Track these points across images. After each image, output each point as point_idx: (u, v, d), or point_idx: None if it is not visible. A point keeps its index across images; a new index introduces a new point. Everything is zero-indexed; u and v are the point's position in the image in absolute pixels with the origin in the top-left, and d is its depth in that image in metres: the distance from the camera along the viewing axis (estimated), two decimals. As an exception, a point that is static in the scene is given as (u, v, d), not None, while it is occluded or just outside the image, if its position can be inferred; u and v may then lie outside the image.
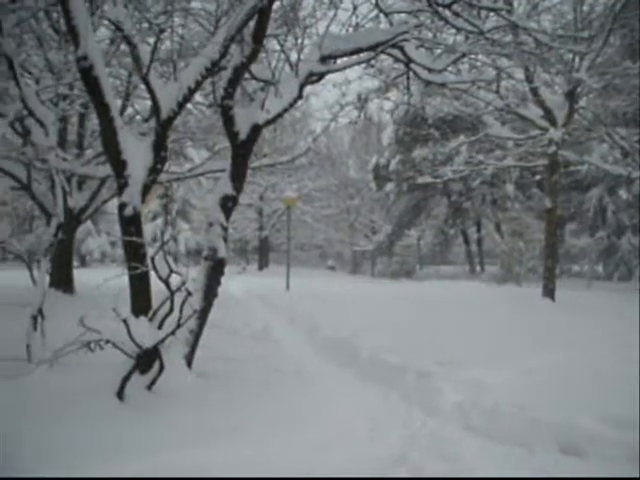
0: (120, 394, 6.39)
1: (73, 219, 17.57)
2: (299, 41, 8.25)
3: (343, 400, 7.00)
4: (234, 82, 7.71)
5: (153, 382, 6.70)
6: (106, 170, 16.29)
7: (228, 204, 7.77)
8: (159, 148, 7.32)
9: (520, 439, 5.66)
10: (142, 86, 17.00)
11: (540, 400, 6.29)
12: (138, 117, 18.40)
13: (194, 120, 16.33)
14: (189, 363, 7.52)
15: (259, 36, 7.57)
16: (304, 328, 12.75)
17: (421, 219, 40.31)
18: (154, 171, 7.28)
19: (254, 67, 7.98)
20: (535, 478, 5.04)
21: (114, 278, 6.13)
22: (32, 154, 12.64)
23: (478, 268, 41.05)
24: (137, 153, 7.20)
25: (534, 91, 17.18)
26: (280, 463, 4.99)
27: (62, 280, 17.43)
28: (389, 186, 37.82)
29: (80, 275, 19.72)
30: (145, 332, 6.21)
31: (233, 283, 23.33)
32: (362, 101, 16.72)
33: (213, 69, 7.57)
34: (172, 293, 6.23)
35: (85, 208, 17.97)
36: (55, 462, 4.84)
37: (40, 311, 7.90)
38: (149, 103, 17.15)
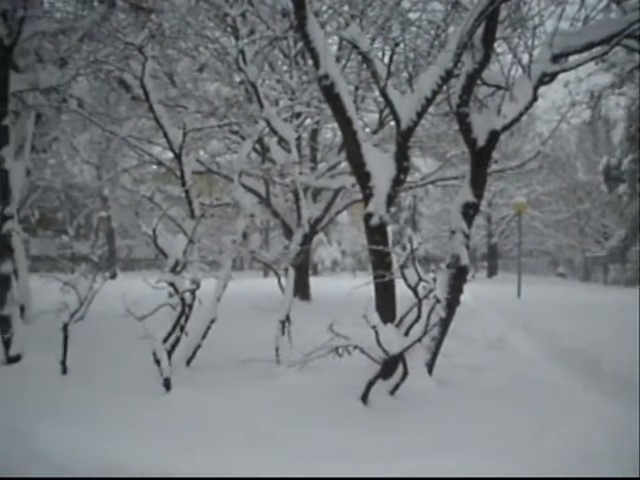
0: (364, 398, 6.57)
1: (309, 229, 18.27)
2: (529, 42, 8.04)
3: (582, 414, 6.64)
4: (468, 89, 7.67)
5: (396, 387, 6.81)
6: (339, 182, 16.87)
7: (469, 211, 7.73)
8: (401, 159, 7.47)
9: None
10: (369, 99, 17.45)
11: None
12: (367, 130, 18.85)
13: (422, 129, 16.42)
14: (430, 370, 7.57)
15: (489, 40, 7.50)
16: (539, 337, 12.35)
17: (658, 221, 37.45)
18: (397, 181, 7.45)
19: (484, 72, 7.90)
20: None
21: (362, 286, 6.33)
22: (273, 170, 13.40)
23: None
24: (380, 164, 7.41)
25: None
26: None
27: (300, 287, 18.22)
28: (622, 187, 35.59)
29: (313, 283, 20.54)
30: (392, 338, 6.33)
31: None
32: (595, 99, 15.90)
33: (448, 78, 7.59)
34: (420, 300, 6.32)
35: (320, 219, 18.69)
36: (302, 460, 5.04)
37: (287, 317, 8.35)
38: (376, 116, 17.57)
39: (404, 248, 6.71)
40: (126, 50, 9.63)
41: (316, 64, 7.35)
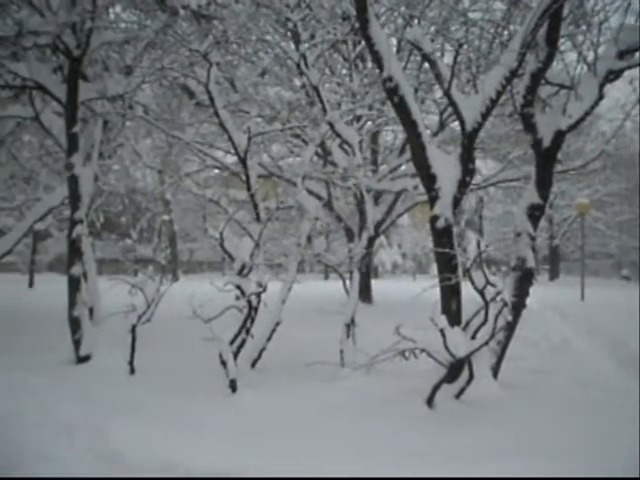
0: (430, 401, 6.55)
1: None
2: (594, 39, 7.89)
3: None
4: (532, 89, 7.61)
5: (462, 391, 6.77)
6: (400, 185, 16.82)
7: (535, 213, 7.66)
8: (466, 160, 7.42)
9: None
10: (429, 101, 17.35)
11: None
12: (427, 132, 18.74)
13: (483, 130, 16.24)
14: (495, 374, 7.50)
15: (553, 38, 7.42)
16: (605, 341, 12.07)
17: None
18: (463, 183, 7.40)
19: (547, 71, 7.81)
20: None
21: (429, 288, 6.31)
22: (335, 173, 13.44)
23: None
24: (445, 166, 7.37)
25: None
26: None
27: (362, 290, 18.17)
28: (689, 187, 34.59)
29: (374, 286, 20.52)
30: (459, 341, 6.29)
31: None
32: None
33: (512, 78, 7.51)
34: (487, 303, 6.27)
35: (382, 222, 18.63)
36: (367, 462, 5.02)
37: (352, 319, 8.36)
38: (437, 118, 17.48)
39: (464, 250, 6.68)
40: (191, 57, 9.80)
41: (380, 67, 7.36)
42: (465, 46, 8.79)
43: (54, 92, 9.69)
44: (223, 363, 7.15)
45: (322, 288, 20.93)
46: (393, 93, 7.32)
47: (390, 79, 7.24)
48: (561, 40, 8.23)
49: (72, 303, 9.23)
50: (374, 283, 21.11)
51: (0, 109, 12.56)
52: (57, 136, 10.68)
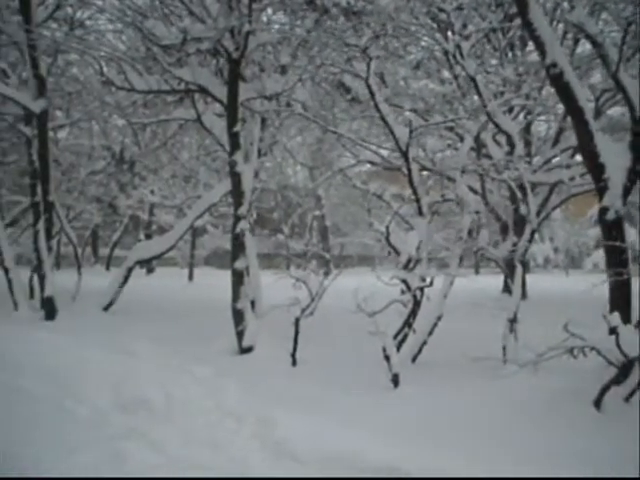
0: (598, 403, 6.25)
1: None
2: None
3: None
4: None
5: (632, 393, 6.42)
6: (555, 176, 16.29)
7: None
8: (637, 148, 7.06)
9: None
10: (583, 87, 16.65)
11: None
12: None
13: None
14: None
15: None
16: None
17: None
18: (634, 172, 7.05)
19: None
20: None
21: (600, 284, 6.06)
22: (490, 166, 13.20)
23: None
24: (613, 155, 7.05)
25: None
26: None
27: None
28: None
29: (527, 280, 19.95)
30: (633, 340, 5.99)
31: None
32: None
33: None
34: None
35: (537, 214, 18.08)
36: (529, 465, 4.87)
37: (515, 315, 8.16)
38: (592, 105, 16.72)
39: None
40: (348, 52, 9.91)
41: (542, 53, 7.17)
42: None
43: (216, 94, 10.10)
44: (386, 357, 7.15)
45: (474, 282, 20.51)
46: (558, 79, 7.09)
47: (554, 65, 7.02)
48: None
49: (236, 296, 9.56)
50: (527, 278, 20.55)
51: (165, 113, 13.27)
52: (218, 136, 11.11)
